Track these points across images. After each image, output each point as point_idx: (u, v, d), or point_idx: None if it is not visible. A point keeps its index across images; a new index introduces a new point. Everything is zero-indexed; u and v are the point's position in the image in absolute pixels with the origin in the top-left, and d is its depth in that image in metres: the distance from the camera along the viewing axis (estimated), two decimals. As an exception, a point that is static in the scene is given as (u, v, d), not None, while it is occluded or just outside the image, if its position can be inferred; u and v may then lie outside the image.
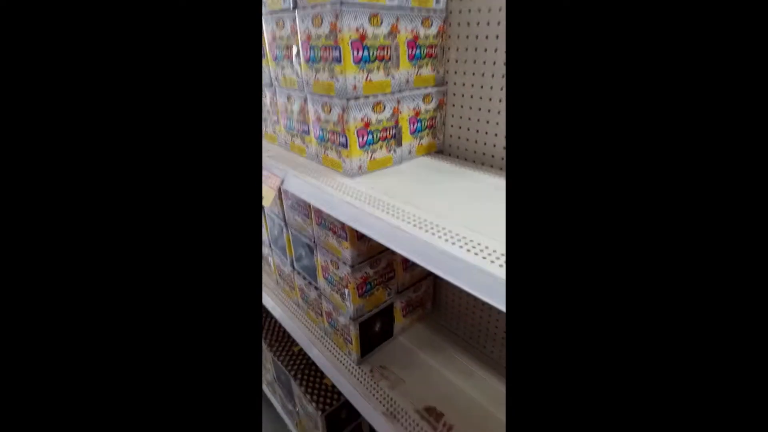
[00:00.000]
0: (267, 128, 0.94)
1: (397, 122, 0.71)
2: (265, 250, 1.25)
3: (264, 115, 0.93)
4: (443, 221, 0.50)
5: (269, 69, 0.83)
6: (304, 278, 1.03)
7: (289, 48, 0.72)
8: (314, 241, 0.91)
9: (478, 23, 0.68)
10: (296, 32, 0.68)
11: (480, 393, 0.83)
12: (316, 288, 0.98)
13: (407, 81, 0.70)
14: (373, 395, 0.83)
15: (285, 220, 1.02)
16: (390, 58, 0.66)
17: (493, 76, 0.69)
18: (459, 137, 0.79)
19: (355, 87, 0.62)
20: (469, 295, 0.94)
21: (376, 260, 0.86)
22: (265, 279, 1.29)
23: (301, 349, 1.35)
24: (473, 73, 0.72)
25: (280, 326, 1.49)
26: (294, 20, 0.67)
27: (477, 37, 0.69)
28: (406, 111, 0.72)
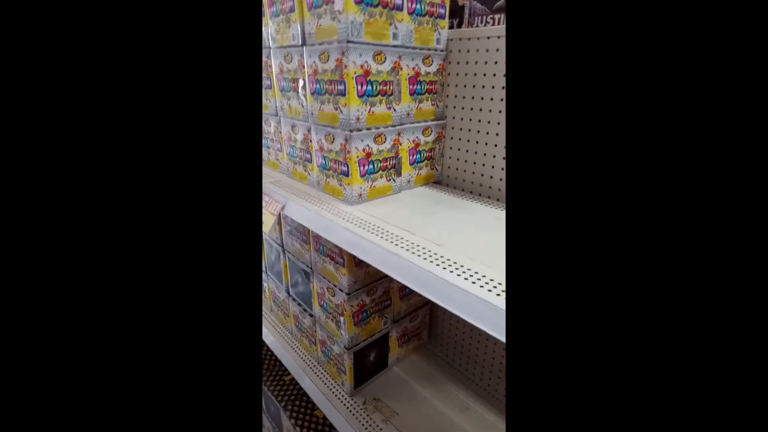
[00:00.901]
0: (270, 155, 0.97)
1: (397, 153, 0.74)
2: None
3: (268, 143, 0.95)
4: (441, 249, 0.51)
5: (275, 99, 0.86)
6: (299, 305, 1.02)
7: (295, 81, 0.75)
8: (311, 267, 0.91)
9: (476, 62, 0.72)
10: (303, 66, 0.71)
11: (476, 428, 0.81)
12: (311, 315, 0.97)
13: (408, 114, 0.73)
14: (366, 429, 0.81)
15: (283, 246, 1.02)
16: (392, 93, 0.69)
17: (490, 111, 0.73)
18: (457, 168, 0.82)
19: (358, 119, 0.65)
20: (465, 325, 0.94)
21: (372, 288, 0.86)
22: (260, 305, 1.27)
23: (292, 379, 1.31)
24: (471, 108, 0.76)
25: (273, 354, 1.45)
26: (302, 55, 0.71)
27: (475, 74, 0.73)
28: (406, 143, 0.75)
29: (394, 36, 0.66)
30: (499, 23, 0.88)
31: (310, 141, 0.76)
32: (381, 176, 0.72)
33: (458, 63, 0.75)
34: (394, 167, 0.74)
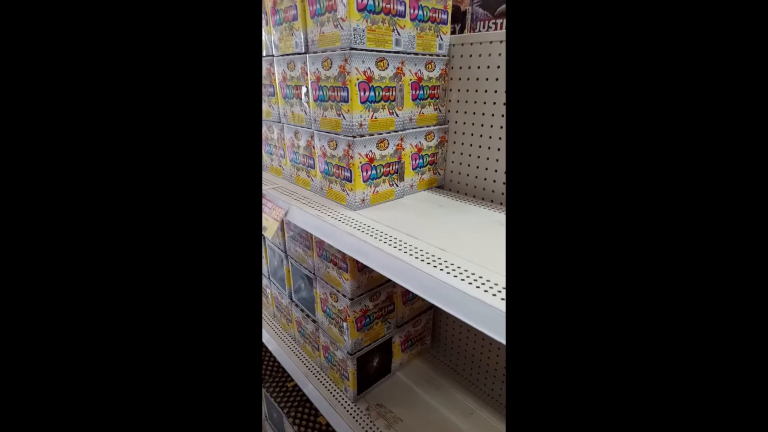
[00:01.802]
0: (273, 162, 0.97)
1: (400, 158, 0.74)
2: (264, 282, 1.24)
3: (271, 149, 0.96)
4: (445, 254, 0.51)
5: (278, 107, 0.86)
6: (302, 311, 1.02)
7: (298, 88, 0.76)
8: (314, 273, 0.91)
9: (479, 67, 0.73)
10: (306, 73, 0.72)
11: (480, 434, 0.80)
12: (314, 321, 0.97)
13: (410, 119, 0.74)
14: (370, 435, 0.81)
15: (286, 251, 1.02)
16: (395, 99, 0.69)
17: (493, 115, 0.73)
18: (459, 173, 0.82)
19: (361, 125, 0.65)
20: (469, 330, 0.93)
21: (375, 293, 0.86)
22: (262, 311, 1.27)
23: (295, 385, 1.31)
24: (473, 113, 0.76)
25: (275, 360, 1.45)
26: (305, 62, 0.71)
27: (477, 79, 0.73)
28: (409, 148, 0.75)
29: (397, 42, 0.66)
30: (501, 28, 0.89)
31: (313, 147, 0.76)
32: (384, 181, 0.72)
33: (461, 68, 0.76)
34: (397, 172, 0.75)
